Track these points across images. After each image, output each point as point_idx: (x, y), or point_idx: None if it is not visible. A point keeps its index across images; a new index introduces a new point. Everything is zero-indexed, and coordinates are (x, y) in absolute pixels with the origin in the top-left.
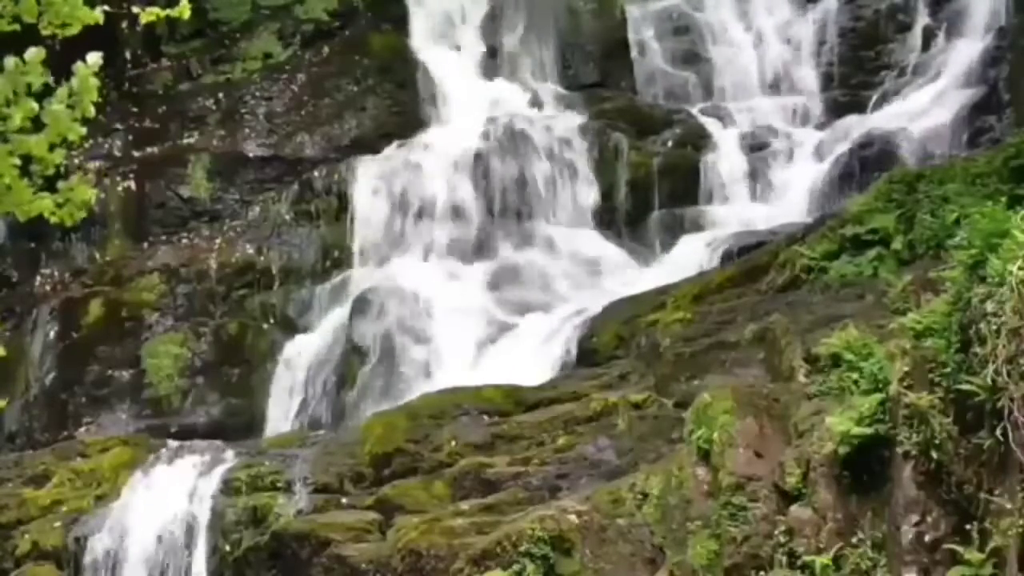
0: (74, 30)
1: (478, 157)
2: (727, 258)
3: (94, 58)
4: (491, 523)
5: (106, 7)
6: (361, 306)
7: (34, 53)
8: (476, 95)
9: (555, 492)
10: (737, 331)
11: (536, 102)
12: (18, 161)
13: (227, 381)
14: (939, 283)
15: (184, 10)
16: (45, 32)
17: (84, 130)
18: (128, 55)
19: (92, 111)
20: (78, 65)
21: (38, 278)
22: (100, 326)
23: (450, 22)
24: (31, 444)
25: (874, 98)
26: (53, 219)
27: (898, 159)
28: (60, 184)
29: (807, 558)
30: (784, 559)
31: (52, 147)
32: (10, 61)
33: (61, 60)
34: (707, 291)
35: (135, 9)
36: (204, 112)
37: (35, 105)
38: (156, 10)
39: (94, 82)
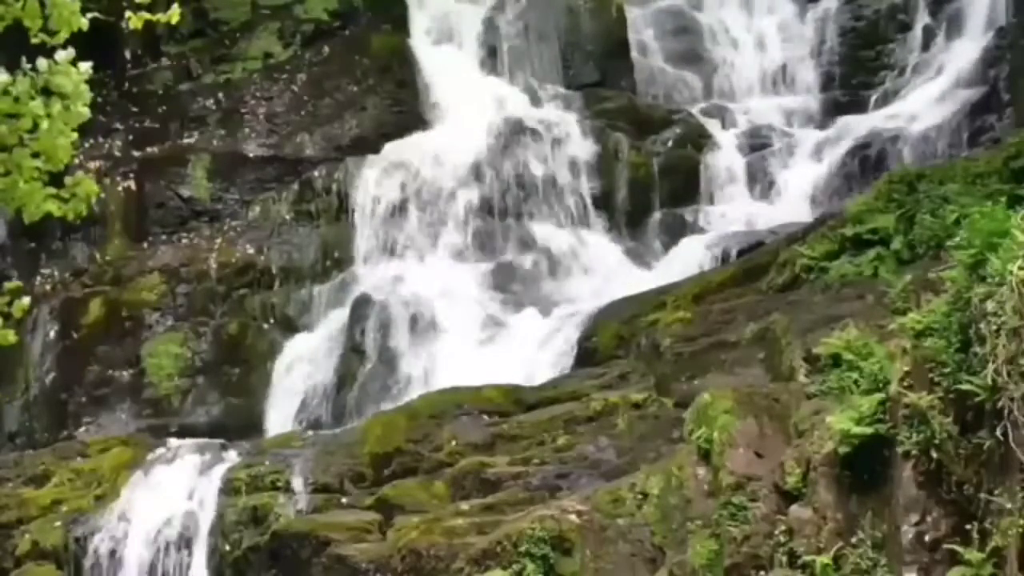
0: (62, 37)
1: (478, 157)
2: (727, 258)
3: (85, 67)
4: (491, 523)
5: (98, 15)
6: (361, 306)
7: (64, 55)
8: (476, 95)
9: (555, 492)
10: (737, 331)
11: (536, 102)
12: (39, 163)
13: (227, 381)
14: (939, 283)
15: (174, 15)
16: (35, 40)
17: (76, 135)
18: (128, 55)
19: (87, 113)
20: (71, 71)
21: (38, 278)
22: (100, 326)
23: (450, 22)
24: (31, 444)
25: (874, 98)
26: (58, 212)
27: (898, 159)
28: (67, 179)
29: (807, 558)
30: (784, 559)
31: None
32: (43, 62)
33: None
34: (707, 291)
35: (127, 14)
36: (204, 112)
37: (39, 107)
38: (145, 14)
39: (84, 88)
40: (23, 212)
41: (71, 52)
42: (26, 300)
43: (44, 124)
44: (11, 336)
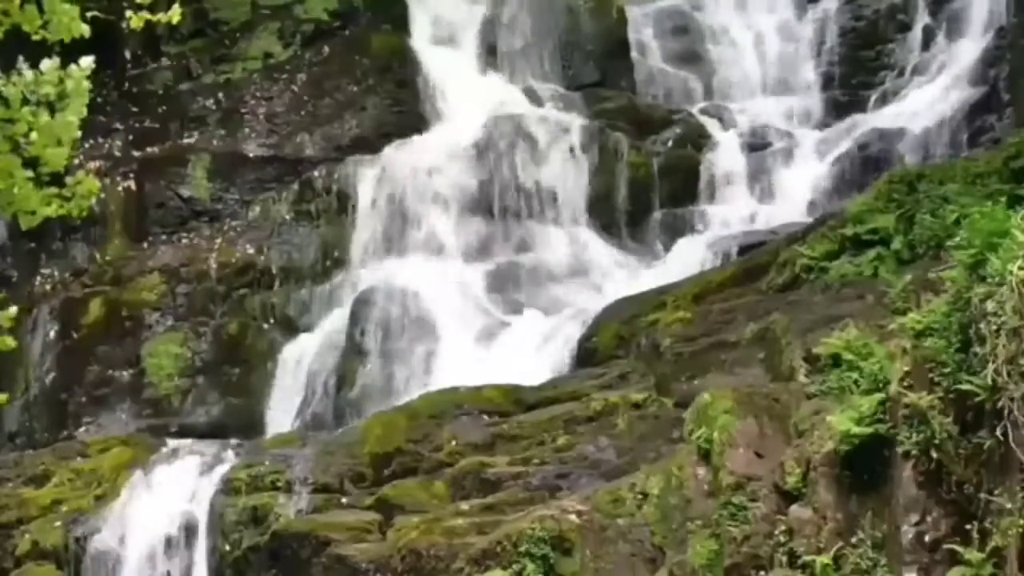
0: (61, 36)
1: (478, 157)
2: (727, 258)
3: (87, 61)
4: (491, 523)
5: (98, 13)
6: (361, 306)
7: (50, 65)
8: (476, 95)
9: (555, 492)
10: (737, 331)
11: (536, 102)
12: (30, 173)
13: (227, 381)
14: (939, 283)
15: (175, 15)
16: (35, 38)
17: (79, 132)
18: (128, 55)
19: (84, 112)
20: (71, 68)
21: (38, 278)
22: (100, 326)
23: (450, 21)
24: (31, 444)
25: (874, 98)
26: (61, 212)
27: (898, 159)
28: (67, 180)
29: (807, 558)
30: (784, 559)
31: (57, 144)
32: (28, 73)
33: (62, 61)
34: (707, 291)
35: (128, 14)
36: (204, 112)
37: (28, 115)
38: (146, 14)
39: (87, 85)
40: (20, 219)
41: (56, 61)
42: (13, 310)
43: (33, 135)
44: (10, 341)
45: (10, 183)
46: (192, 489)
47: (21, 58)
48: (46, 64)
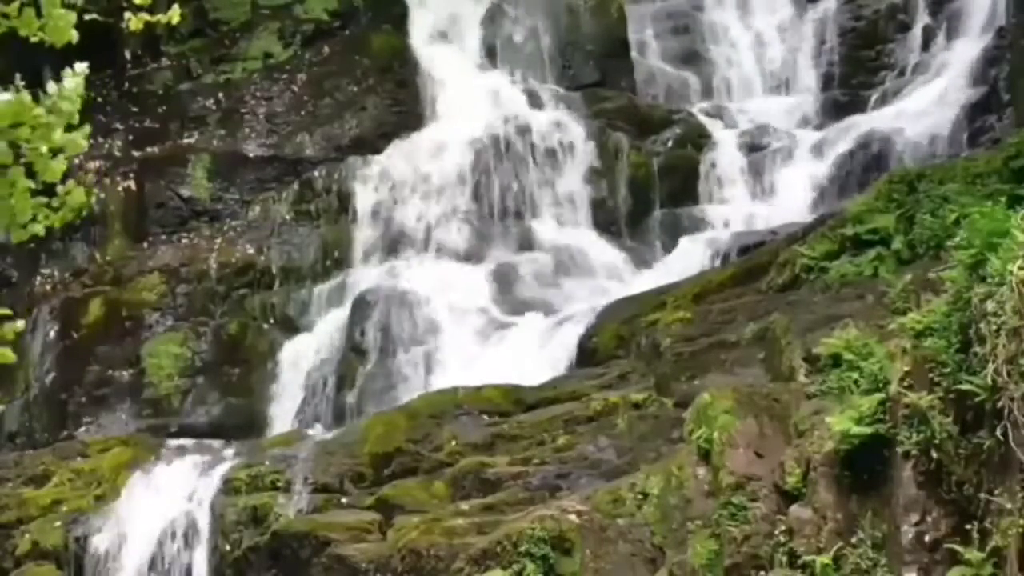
0: (56, 39)
1: (478, 157)
2: (727, 258)
3: (81, 67)
4: (491, 523)
5: (96, 16)
6: (361, 306)
7: (73, 84)
8: (475, 95)
9: (555, 492)
10: (737, 331)
11: (536, 102)
12: (32, 184)
13: (227, 381)
14: (939, 283)
15: (174, 15)
16: (33, 40)
17: (84, 143)
18: (128, 55)
19: (76, 119)
20: (66, 72)
21: (38, 278)
22: (100, 326)
23: (450, 22)
24: (31, 444)
25: (874, 98)
26: (47, 223)
27: (898, 159)
28: (59, 188)
29: (807, 558)
30: (784, 559)
31: (55, 154)
32: (52, 87)
33: (61, 62)
34: (707, 291)
35: (127, 15)
36: (204, 112)
37: (41, 112)
38: (145, 16)
39: (79, 91)
40: (11, 233)
41: (80, 80)
42: (20, 323)
43: (44, 147)
44: (10, 354)
45: (9, 192)
46: (192, 489)
47: (19, 75)
48: (69, 82)
